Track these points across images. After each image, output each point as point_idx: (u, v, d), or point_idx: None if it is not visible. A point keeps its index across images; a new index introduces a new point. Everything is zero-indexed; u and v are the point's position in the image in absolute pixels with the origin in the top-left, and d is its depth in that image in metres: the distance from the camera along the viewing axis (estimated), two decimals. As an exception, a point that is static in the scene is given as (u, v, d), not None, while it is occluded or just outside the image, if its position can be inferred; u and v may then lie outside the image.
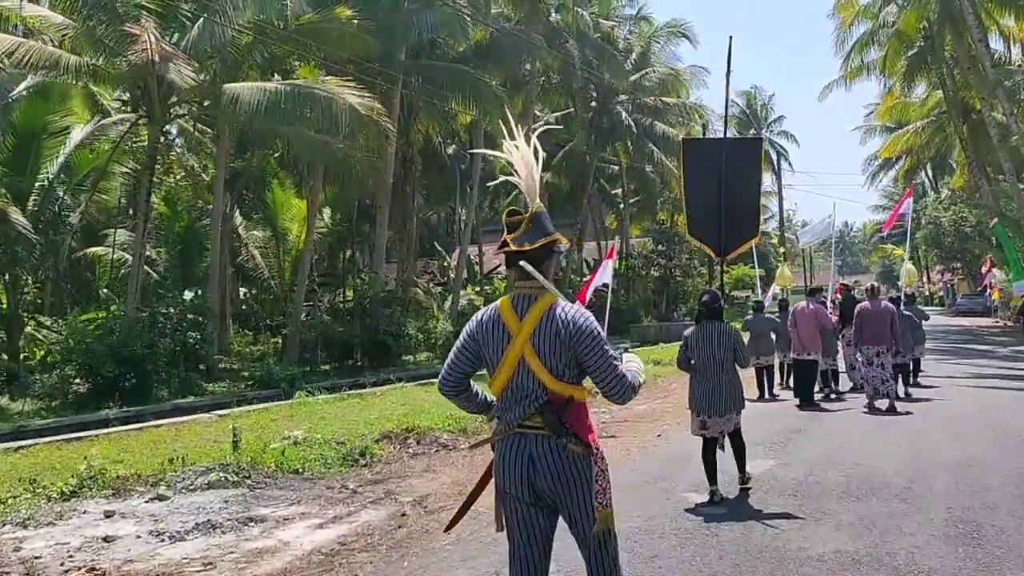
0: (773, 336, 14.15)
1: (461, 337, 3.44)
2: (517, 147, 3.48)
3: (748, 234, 9.18)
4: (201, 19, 17.30)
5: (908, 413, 11.39)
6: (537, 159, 3.50)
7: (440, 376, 3.48)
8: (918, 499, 6.42)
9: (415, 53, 26.58)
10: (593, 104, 37.76)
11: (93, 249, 27.78)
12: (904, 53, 32.90)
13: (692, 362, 7.19)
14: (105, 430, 12.23)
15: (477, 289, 41.49)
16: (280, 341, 27.16)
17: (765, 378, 14.26)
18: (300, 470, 8.09)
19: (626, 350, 3.63)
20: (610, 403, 3.13)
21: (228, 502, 6.54)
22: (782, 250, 38.21)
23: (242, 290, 36.14)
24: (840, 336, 14.24)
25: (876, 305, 12.27)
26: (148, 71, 16.37)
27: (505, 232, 3.35)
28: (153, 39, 14.64)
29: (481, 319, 3.39)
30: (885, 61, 33.25)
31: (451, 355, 3.44)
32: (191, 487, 6.98)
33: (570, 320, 3.18)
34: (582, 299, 16.86)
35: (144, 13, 16.78)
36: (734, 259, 39.47)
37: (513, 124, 3.55)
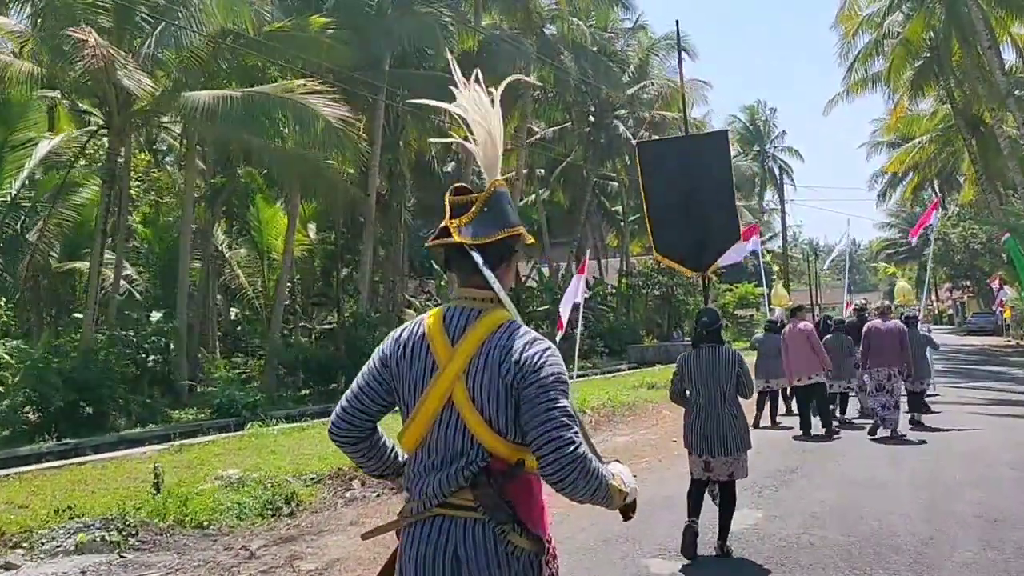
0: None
1: (370, 361, 2.34)
2: (475, 101, 2.36)
3: (730, 239, 7.95)
4: (161, 24, 16.24)
5: (922, 442, 10.26)
6: (500, 122, 2.40)
7: (333, 415, 2.36)
8: (935, 571, 5.19)
9: (400, 63, 25.57)
10: (591, 118, 36.70)
11: (73, 264, 26.81)
12: (910, 64, 31.79)
13: (688, 393, 6.14)
14: (37, 466, 11.19)
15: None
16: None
17: (768, 404, 13.13)
18: (206, 523, 6.90)
19: (617, 461, 2.34)
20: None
21: (86, 575, 5.34)
22: (776, 268, 36.87)
23: (233, 310, 35.15)
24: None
25: (888, 324, 11.28)
26: (103, 78, 15.33)
27: (447, 215, 2.29)
28: (94, 42, 13.54)
29: (399, 337, 2.32)
30: (890, 72, 32.14)
31: (352, 386, 2.34)
32: (55, 550, 5.80)
33: (521, 352, 2.15)
34: (560, 326, 15.79)
35: (100, 17, 15.77)
36: (725, 274, 38.33)
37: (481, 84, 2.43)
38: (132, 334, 17.62)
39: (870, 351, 11.16)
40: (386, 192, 28.86)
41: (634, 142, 34.83)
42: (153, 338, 18.35)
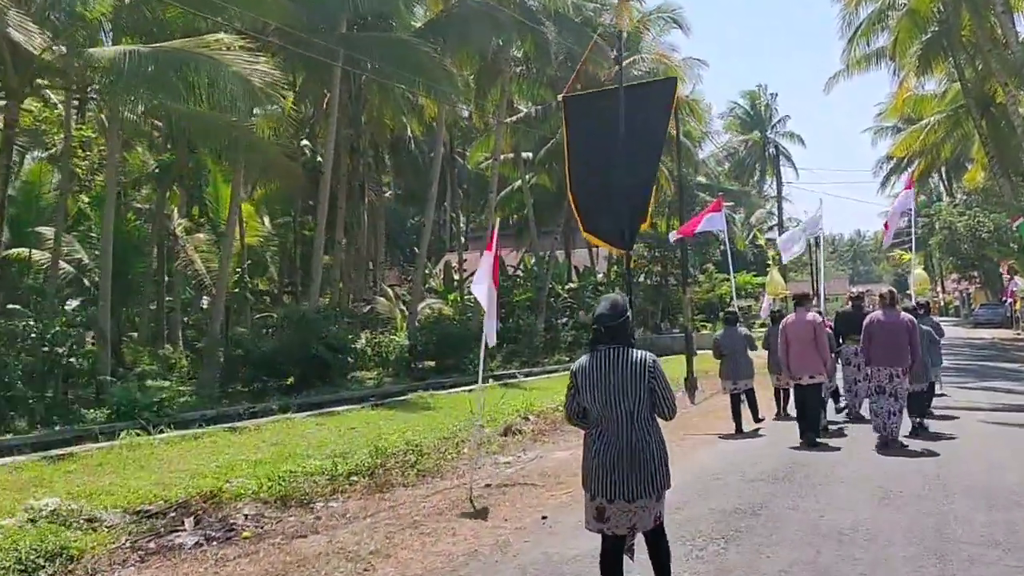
0: (752, 355, 11.92)
1: None
2: None
3: (643, 205, 5.95)
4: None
5: (928, 454, 8.25)
6: None
7: None
8: None
9: (362, 26, 23.39)
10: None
11: (18, 250, 24.90)
12: (917, 36, 29.54)
13: (587, 411, 4.45)
14: None
15: (454, 297, 38.34)
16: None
17: (743, 408, 11.32)
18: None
19: None
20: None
21: None
22: (772, 253, 34.76)
23: (205, 300, 33.21)
24: (835, 354, 11.32)
25: (890, 316, 9.53)
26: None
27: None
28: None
29: None
30: (895, 46, 29.88)
31: None
32: None
33: None
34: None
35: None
36: (722, 262, 36.35)
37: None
38: (33, 324, 15.57)
39: (871, 347, 9.50)
40: (349, 172, 26.73)
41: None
42: (65, 329, 16.28)
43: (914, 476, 7.54)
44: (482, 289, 7.61)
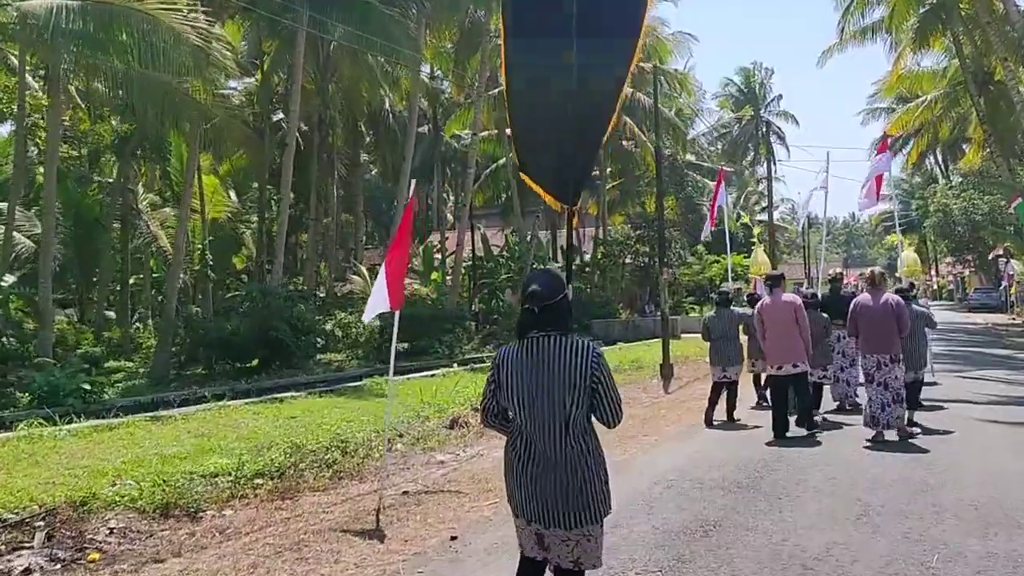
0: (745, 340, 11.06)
1: None
2: None
3: (590, 163, 4.80)
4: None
5: (922, 458, 7.38)
6: None
7: None
8: None
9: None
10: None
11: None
12: (914, 9, 28.34)
13: (511, 417, 3.57)
14: None
15: (437, 278, 37.22)
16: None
17: (725, 395, 10.33)
18: None
19: None
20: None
21: None
22: (757, 231, 33.72)
23: (183, 278, 32.10)
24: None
25: (878, 298, 8.63)
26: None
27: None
28: None
29: None
30: (892, 19, 28.71)
31: None
32: None
33: None
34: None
35: None
36: (712, 243, 35.21)
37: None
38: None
39: (858, 333, 8.85)
40: (316, 143, 25.51)
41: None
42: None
43: (899, 487, 6.49)
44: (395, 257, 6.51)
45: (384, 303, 6.43)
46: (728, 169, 49.08)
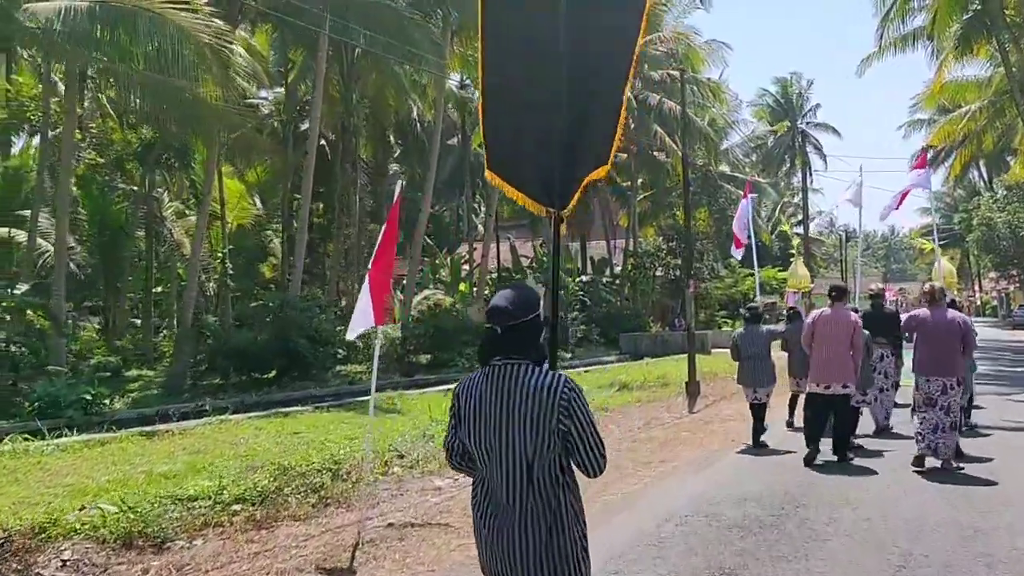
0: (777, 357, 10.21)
1: None
2: None
3: (601, 154, 4.11)
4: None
5: (972, 494, 6.48)
6: None
7: None
8: None
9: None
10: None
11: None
12: (957, 15, 27.29)
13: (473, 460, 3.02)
14: None
15: (465, 288, 36.70)
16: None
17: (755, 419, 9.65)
18: None
19: None
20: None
21: None
22: (796, 242, 32.68)
23: (212, 286, 32.00)
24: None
25: (940, 314, 7.91)
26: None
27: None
28: None
29: None
30: (934, 24, 27.65)
31: None
32: None
33: None
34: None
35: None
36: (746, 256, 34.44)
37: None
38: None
39: (924, 351, 8.01)
40: (339, 151, 25.14)
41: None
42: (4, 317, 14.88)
43: (944, 532, 5.73)
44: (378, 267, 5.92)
45: (368, 320, 5.85)
46: (762, 181, 48.12)
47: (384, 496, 7.12)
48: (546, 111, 4.15)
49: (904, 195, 14.06)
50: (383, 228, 6.01)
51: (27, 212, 22.32)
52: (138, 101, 16.09)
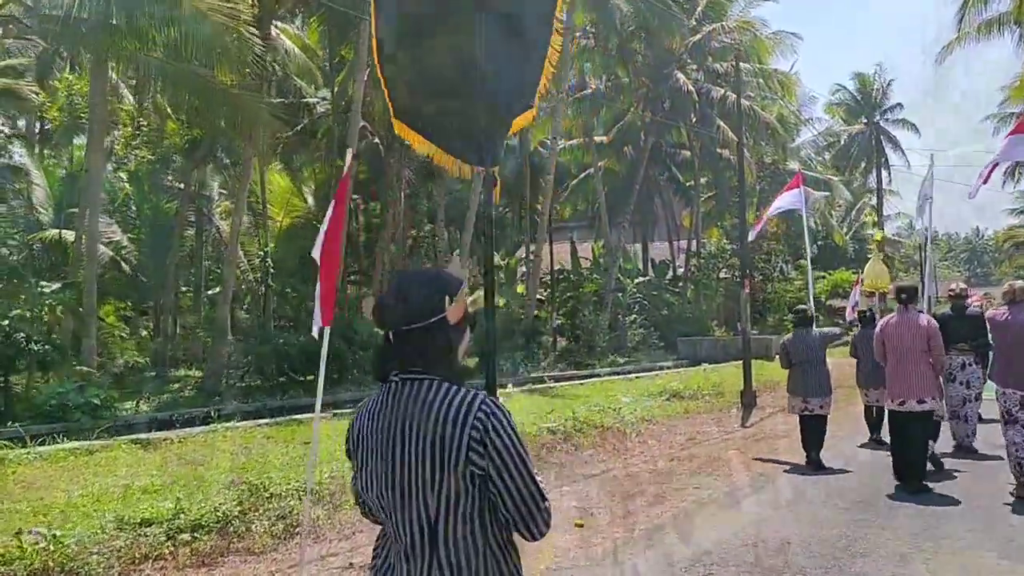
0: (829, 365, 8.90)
1: None
2: None
3: (527, 96, 3.08)
4: None
5: None
6: None
7: None
8: None
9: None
10: (642, 67, 31.07)
11: (51, 232, 23.78)
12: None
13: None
14: None
15: (522, 290, 35.74)
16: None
17: (810, 434, 8.45)
18: None
19: None
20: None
21: None
22: (879, 235, 30.63)
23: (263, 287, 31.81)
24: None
25: (1021, 318, 6.62)
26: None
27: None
28: None
29: None
30: (1020, 7, 25.58)
31: None
32: None
33: None
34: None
35: None
36: (820, 259, 32.58)
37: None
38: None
39: (1000, 358, 6.93)
40: (385, 147, 24.40)
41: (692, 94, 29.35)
42: (25, 313, 14.41)
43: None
44: (318, 255, 4.94)
45: (317, 319, 4.89)
46: (834, 178, 45.82)
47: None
48: (460, 50, 3.22)
49: (994, 166, 12.43)
50: (331, 206, 4.99)
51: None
52: (187, 97, 15.59)
